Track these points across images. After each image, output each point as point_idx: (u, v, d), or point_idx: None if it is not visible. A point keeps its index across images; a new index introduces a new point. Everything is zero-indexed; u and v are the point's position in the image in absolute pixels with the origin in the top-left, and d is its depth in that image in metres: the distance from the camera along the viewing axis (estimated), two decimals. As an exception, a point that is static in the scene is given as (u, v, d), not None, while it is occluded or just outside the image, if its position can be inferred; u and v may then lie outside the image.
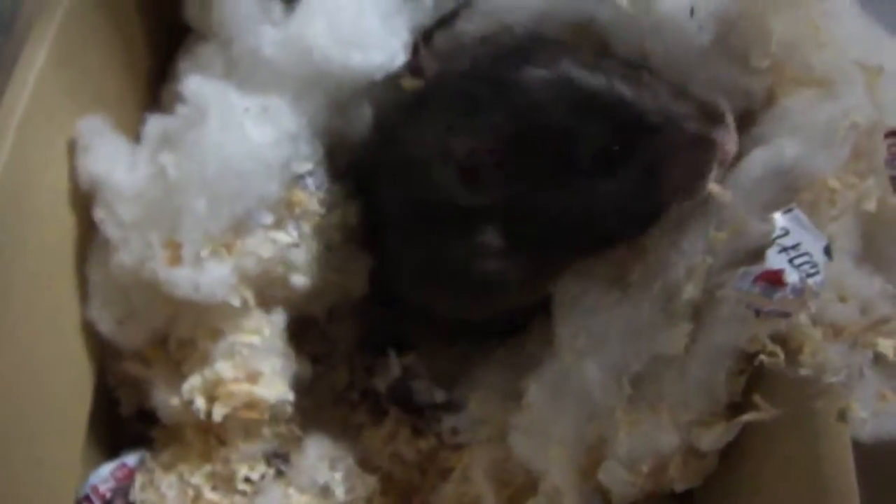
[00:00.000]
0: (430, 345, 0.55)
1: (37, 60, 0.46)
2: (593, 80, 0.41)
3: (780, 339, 0.38)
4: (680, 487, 0.42)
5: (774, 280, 0.36)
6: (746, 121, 0.43)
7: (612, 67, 0.42)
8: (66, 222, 0.48)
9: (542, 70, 0.42)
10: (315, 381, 0.53)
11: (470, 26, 0.49)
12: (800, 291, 0.36)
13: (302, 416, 0.51)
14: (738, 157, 0.41)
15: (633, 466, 0.41)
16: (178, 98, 0.46)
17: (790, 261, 0.37)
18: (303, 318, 0.52)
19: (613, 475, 0.42)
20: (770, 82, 0.42)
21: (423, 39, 0.50)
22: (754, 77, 0.42)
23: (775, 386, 0.39)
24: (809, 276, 0.36)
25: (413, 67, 0.48)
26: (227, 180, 0.44)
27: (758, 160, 0.39)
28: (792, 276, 0.36)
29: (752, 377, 0.41)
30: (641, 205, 0.42)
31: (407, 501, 0.51)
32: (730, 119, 0.41)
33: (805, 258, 0.37)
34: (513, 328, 0.52)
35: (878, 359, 0.39)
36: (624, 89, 0.41)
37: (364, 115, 0.50)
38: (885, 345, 0.38)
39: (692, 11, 0.43)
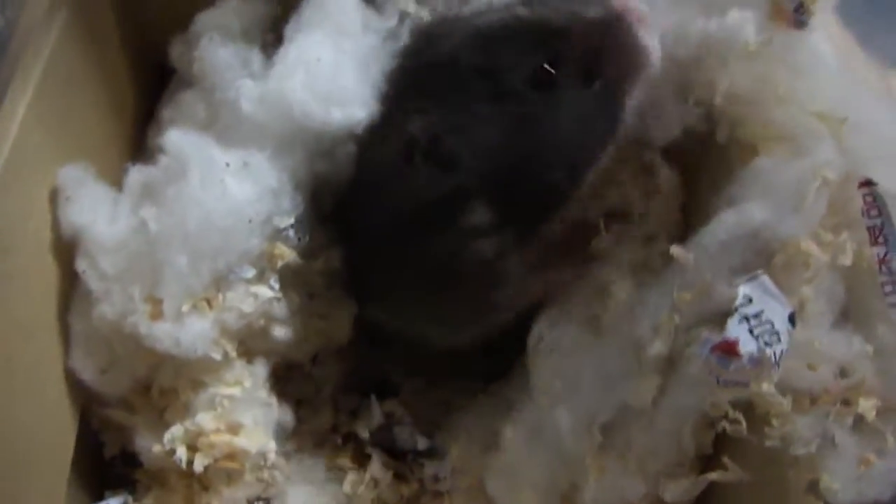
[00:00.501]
0: (414, 388, 0.55)
1: (19, 109, 0.46)
2: (492, 15, 0.44)
3: (746, 406, 0.38)
4: None
5: (730, 350, 0.36)
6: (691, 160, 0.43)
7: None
8: (48, 272, 0.48)
9: (449, 28, 0.46)
10: (298, 424, 0.53)
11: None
12: (757, 361, 0.36)
13: (285, 460, 0.51)
14: (708, 215, 0.41)
15: None
16: (160, 149, 0.46)
17: (750, 330, 0.37)
18: (287, 363, 0.52)
19: None
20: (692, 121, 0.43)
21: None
22: (682, 114, 0.43)
23: (746, 446, 0.40)
24: (768, 345, 0.36)
25: None
26: (209, 236, 0.44)
27: (726, 223, 0.39)
28: (748, 346, 0.36)
29: (724, 432, 0.41)
30: (601, 107, 0.43)
31: (389, 546, 0.51)
32: None
33: (766, 327, 0.37)
34: (494, 370, 0.53)
35: (858, 421, 0.39)
36: (519, 10, 0.44)
37: (348, 158, 0.50)
38: (866, 406, 0.38)
39: None
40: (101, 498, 0.52)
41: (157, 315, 0.44)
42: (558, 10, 0.43)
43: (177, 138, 0.45)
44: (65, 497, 0.49)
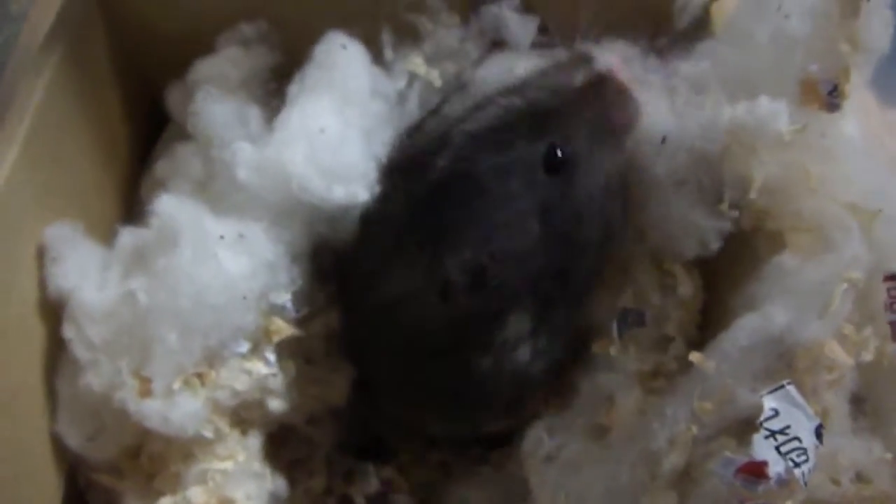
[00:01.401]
0: (411, 449, 0.54)
1: (5, 164, 0.44)
2: (483, 115, 0.42)
3: None
4: None
5: (758, 472, 0.34)
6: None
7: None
8: (34, 334, 0.46)
9: (440, 141, 0.42)
10: (292, 487, 0.51)
11: (456, 109, 0.47)
12: (785, 483, 0.35)
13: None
14: (727, 318, 0.39)
15: None
16: (152, 213, 0.44)
17: (777, 448, 0.35)
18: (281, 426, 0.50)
19: None
20: (728, 229, 0.40)
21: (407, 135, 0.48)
22: (717, 222, 0.40)
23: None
24: (797, 465, 0.35)
25: None
26: (201, 313, 0.42)
27: (746, 328, 0.37)
28: (777, 467, 0.34)
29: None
30: (611, 167, 0.42)
31: None
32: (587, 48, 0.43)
33: (794, 444, 0.35)
34: (495, 440, 0.51)
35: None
36: (509, 101, 0.42)
37: (350, 220, 0.48)
38: None
39: (664, 139, 0.41)
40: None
41: (145, 392, 0.42)
42: (548, 89, 0.42)
43: (169, 205, 0.43)
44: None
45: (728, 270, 0.41)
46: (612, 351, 0.42)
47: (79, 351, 0.44)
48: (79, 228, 0.46)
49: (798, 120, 0.38)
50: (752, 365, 0.37)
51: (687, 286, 0.42)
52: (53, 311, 0.46)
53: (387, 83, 0.48)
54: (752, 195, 0.38)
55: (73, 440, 0.46)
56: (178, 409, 0.42)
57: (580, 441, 0.41)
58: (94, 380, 0.43)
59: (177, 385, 0.43)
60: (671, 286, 0.42)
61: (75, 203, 0.49)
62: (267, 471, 0.47)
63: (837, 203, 0.38)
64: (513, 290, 0.41)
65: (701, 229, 0.40)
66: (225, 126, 0.45)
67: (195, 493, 0.45)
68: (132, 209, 0.53)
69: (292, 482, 0.51)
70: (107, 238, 0.47)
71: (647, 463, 0.38)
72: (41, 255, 0.46)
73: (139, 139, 0.54)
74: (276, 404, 0.46)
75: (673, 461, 0.38)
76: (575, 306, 0.43)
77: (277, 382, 0.45)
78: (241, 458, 0.46)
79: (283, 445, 0.51)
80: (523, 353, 0.43)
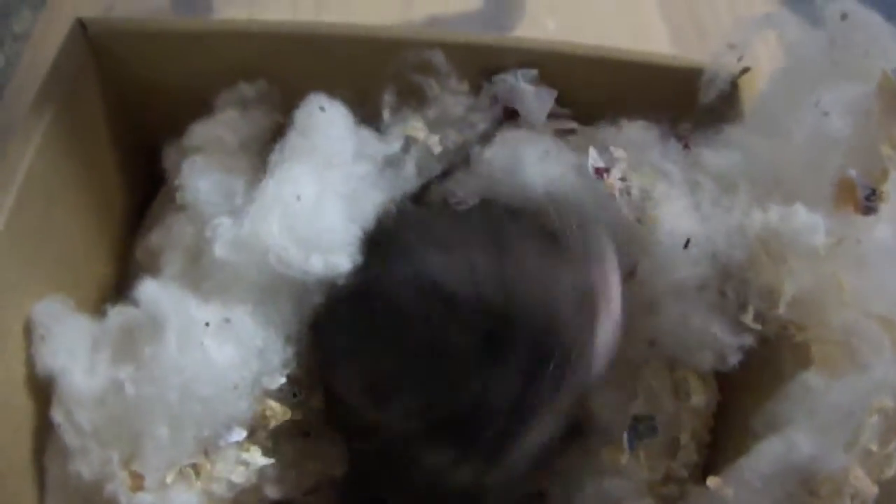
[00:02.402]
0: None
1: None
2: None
3: None
4: None
5: None
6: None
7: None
8: (20, 413, 0.44)
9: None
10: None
11: (462, 189, 0.45)
12: None
13: None
14: (746, 436, 0.37)
15: None
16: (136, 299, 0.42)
17: None
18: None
19: None
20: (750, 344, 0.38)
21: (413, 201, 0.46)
22: (738, 336, 0.38)
23: None
24: None
25: None
26: (190, 405, 0.40)
27: (769, 454, 0.35)
28: None
29: None
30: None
31: None
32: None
33: None
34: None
35: None
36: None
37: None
38: None
39: (687, 243, 0.39)
40: None
41: (137, 487, 0.40)
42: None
43: (152, 292, 0.41)
44: None
45: (747, 379, 0.39)
46: (623, 460, 0.40)
47: (68, 437, 0.42)
48: (68, 304, 0.44)
49: (833, 228, 0.35)
50: (775, 492, 0.35)
51: (701, 396, 0.40)
52: (42, 389, 0.44)
53: (377, 145, 0.45)
54: (780, 309, 0.36)
55: (65, 524, 0.45)
56: (172, 503, 0.41)
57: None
58: (83, 468, 0.42)
59: (170, 478, 0.41)
60: (685, 391, 0.40)
61: (65, 272, 0.47)
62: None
63: (870, 317, 0.36)
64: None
65: (720, 342, 0.38)
66: (208, 200, 0.42)
67: (190, 582, 0.44)
68: (127, 271, 0.51)
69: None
70: (98, 306, 0.45)
71: None
72: (28, 331, 0.44)
73: (135, 195, 0.52)
74: (272, 490, 0.44)
75: None
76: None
77: (275, 470, 0.44)
78: (237, 542, 0.44)
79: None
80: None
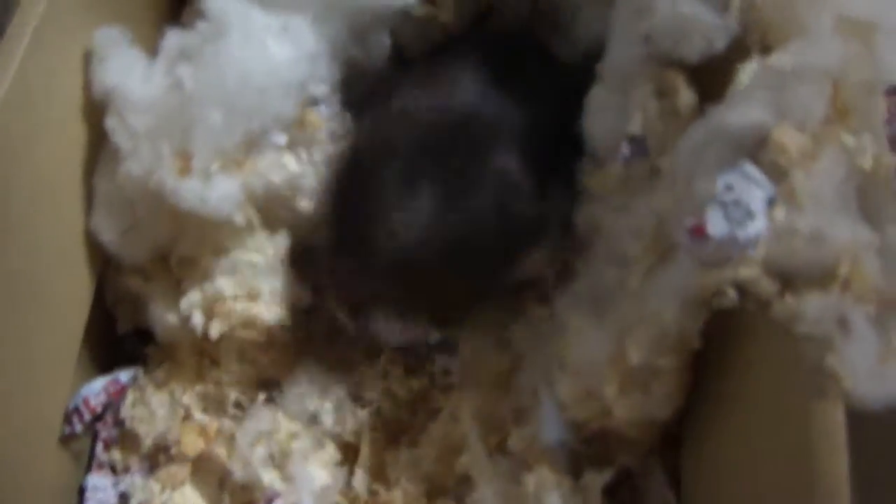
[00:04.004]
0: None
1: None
2: None
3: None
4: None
5: (699, 233, 0.36)
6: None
7: None
8: (76, 131, 0.48)
9: None
10: (313, 313, 0.53)
11: None
12: (727, 243, 0.36)
13: (296, 345, 0.51)
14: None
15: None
16: (200, 15, 0.46)
17: (725, 214, 0.36)
18: (308, 248, 0.52)
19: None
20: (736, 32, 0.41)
21: None
22: (724, 21, 0.41)
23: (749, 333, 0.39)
24: (740, 225, 0.36)
25: None
26: (245, 95, 0.44)
27: (699, 126, 0.38)
28: (717, 228, 0.36)
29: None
30: None
31: (395, 438, 0.51)
32: None
33: (741, 210, 0.36)
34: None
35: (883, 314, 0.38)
36: None
37: (383, 46, 0.50)
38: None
39: None
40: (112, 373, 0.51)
41: (184, 171, 0.44)
42: None
43: (219, 1, 0.45)
44: (74, 364, 0.49)
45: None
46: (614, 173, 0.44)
47: (120, 139, 0.46)
48: (126, 33, 0.49)
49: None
50: (708, 158, 0.38)
51: (687, 92, 0.44)
52: (96, 111, 0.48)
53: None
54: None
55: (107, 235, 0.48)
56: (214, 189, 0.44)
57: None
58: (133, 166, 0.45)
59: (215, 167, 0.44)
60: (671, 110, 0.44)
61: (121, 19, 0.51)
62: (292, 276, 0.49)
63: (838, 15, 0.40)
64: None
65: (707, 27, 0.42)
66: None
67: (224, 283, 0.47)
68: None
69: (314, 307, 0.53)
70: (153, 49, 0.49)
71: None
72: (88, 57, 0.48)
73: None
74: (304, 204, 0.48)
75: (635, 249, 0.41)
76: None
77: (308, 182, 0.47)
78: (269, 252, 0.47)
79: (307, 271, 0.52)
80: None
